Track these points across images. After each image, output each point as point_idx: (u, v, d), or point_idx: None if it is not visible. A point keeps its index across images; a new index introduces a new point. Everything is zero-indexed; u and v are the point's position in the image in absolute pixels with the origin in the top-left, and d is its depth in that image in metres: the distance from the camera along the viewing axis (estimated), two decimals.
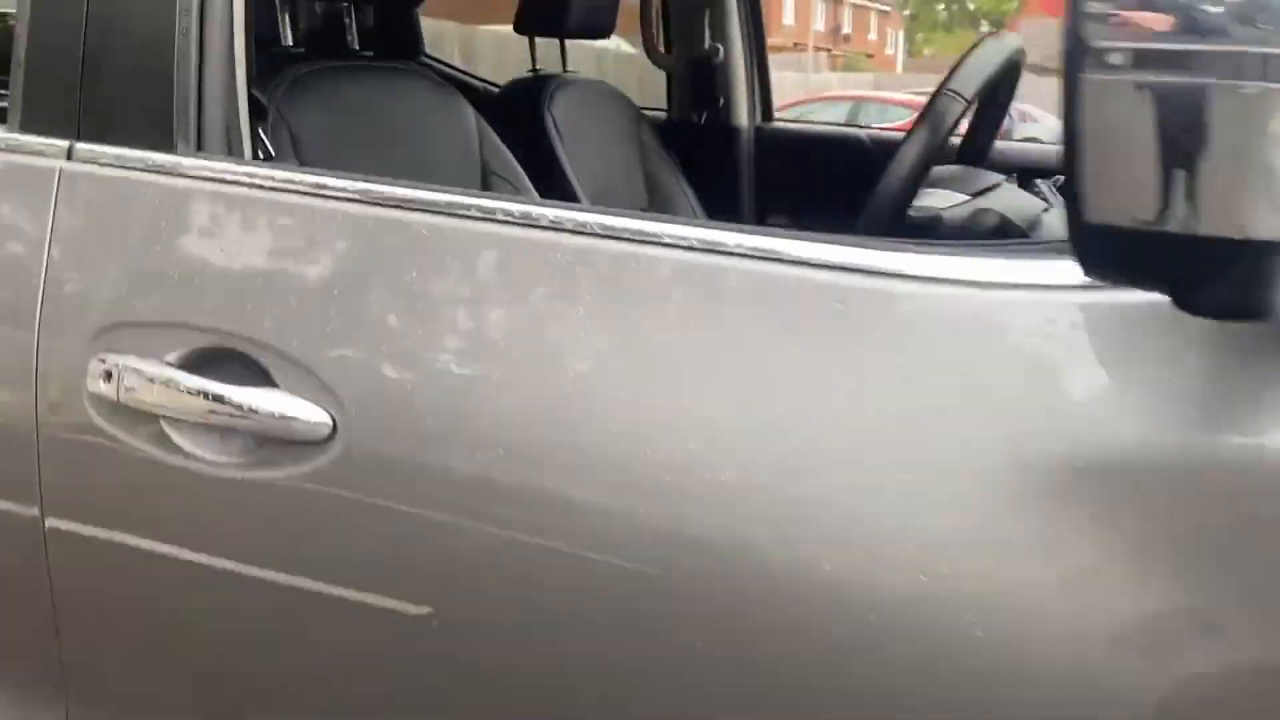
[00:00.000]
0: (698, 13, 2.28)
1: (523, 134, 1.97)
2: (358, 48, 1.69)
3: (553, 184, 1.94)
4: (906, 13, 36.82)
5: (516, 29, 2.05)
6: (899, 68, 29.11)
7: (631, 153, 2.18)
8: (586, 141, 2.03)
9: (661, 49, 2.37)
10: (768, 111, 2.39)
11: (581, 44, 2.18)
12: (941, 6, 40.24)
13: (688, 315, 0.77)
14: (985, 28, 39.43)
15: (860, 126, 2.33)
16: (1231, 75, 0.56)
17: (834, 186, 2.32)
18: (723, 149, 2.33)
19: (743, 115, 2.33)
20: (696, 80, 2.31)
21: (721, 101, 2.31)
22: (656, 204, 2.21)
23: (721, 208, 2.31)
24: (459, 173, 1.56)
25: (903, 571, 0.68)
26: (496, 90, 2.81)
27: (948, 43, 38.64)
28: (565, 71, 2.14)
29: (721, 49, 2.28)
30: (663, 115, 2.45)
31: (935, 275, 0.71)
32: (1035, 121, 17.50)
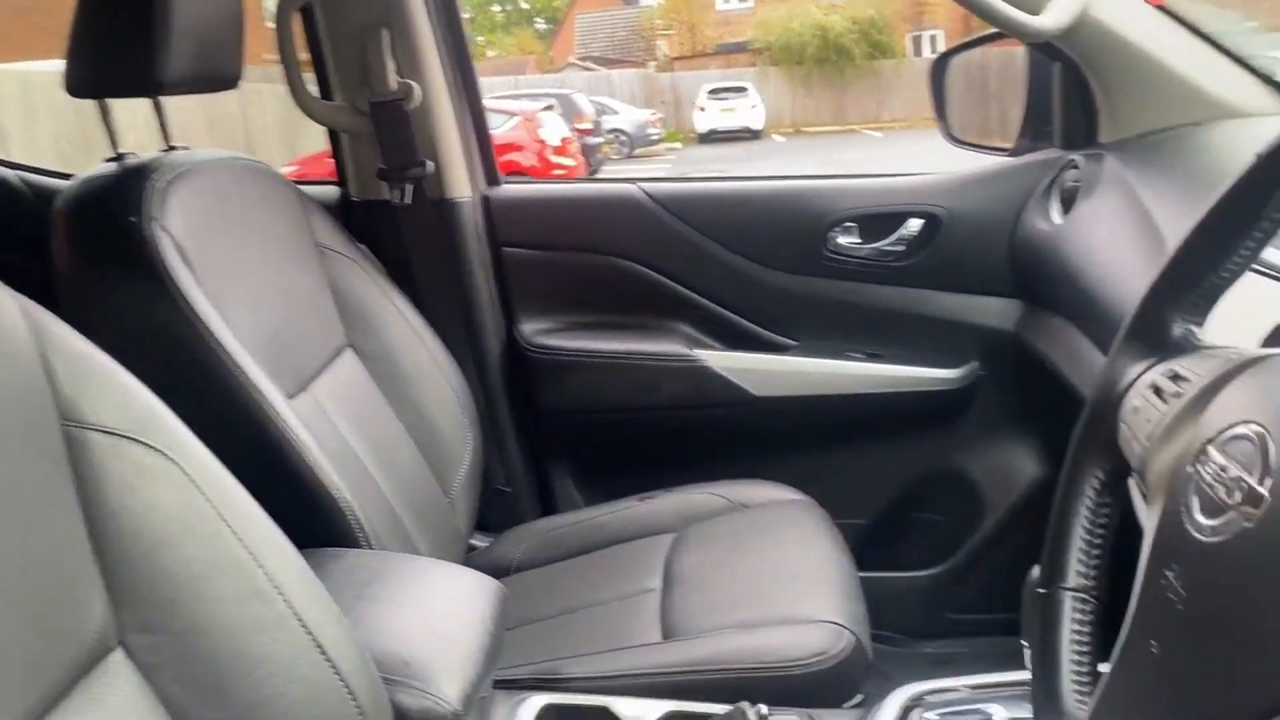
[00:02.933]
0: (370, 36, 1.48)
1: (120, 274, 1.09)
2: None
3: (194, 355, 1.08)
4: (466, 15, 36.66)
5: (71, 90, 1.14)
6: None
7: (309, 265, 1.35)
8: (236, 267, 1.18)
9: (317, 92, 1.55)
10: (492, 173, 1.65)
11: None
12: (498, 8, 40.67)
13: None
14: (540, 24, 40.56)
15: (629, 180, 1.67)
16: None
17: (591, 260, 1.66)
18: (440, 235, 1.57)
19: (463, 182, 1.58)
20: (385, 137, 1.51)
21: (430, 166, 1.53)
22: (358, 335, 1.40)
23: (447, 318, 1.55)
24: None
25: None
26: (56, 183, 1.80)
27: (508, 44, 39.11)
28: (172, 148, 1.25)
29: (418, 88, 1.51)
30: (334, 191, 1.63)
31: None
32: (616, 114, 18.13)
